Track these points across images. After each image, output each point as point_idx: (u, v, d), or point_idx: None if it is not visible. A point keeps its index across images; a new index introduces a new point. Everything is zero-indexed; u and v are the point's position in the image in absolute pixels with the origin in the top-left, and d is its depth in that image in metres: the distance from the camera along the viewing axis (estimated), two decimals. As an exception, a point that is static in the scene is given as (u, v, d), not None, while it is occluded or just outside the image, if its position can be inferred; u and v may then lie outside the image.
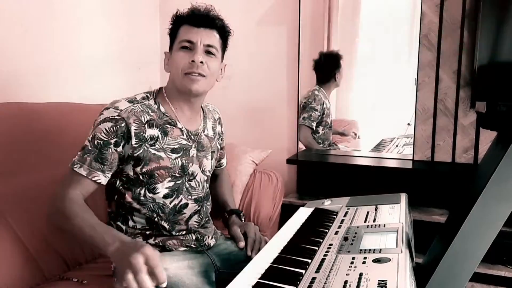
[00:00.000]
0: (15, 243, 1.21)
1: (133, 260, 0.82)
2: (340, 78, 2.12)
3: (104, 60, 1.95)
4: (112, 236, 0.95)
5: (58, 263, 1.32)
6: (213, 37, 1.13)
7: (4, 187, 1.24)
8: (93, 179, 1.04)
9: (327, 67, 2.12)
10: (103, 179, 1.05)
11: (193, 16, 1.12)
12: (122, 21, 2.05)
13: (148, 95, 1.14)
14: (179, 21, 1.14)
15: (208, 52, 1.11)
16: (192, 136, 1.17)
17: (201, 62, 1.09)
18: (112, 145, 1.04)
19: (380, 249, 0.80)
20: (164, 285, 0.85)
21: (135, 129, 1.06)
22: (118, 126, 1.04)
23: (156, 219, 1.12)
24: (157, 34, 2.28)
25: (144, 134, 1.07)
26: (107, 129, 1.04)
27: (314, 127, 2.13)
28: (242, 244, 1.19)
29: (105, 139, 1.04)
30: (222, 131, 1.35)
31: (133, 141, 1.05)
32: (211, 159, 1.25)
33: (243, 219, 1.31)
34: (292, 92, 2.13)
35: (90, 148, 1.04)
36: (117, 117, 1.04)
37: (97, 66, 1.91)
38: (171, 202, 1.13)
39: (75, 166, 1.03)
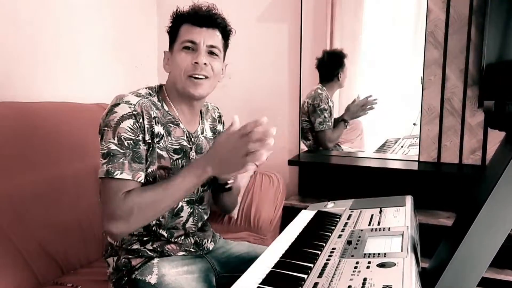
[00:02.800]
0: (7, 247, 1.21)
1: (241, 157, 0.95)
2: (343, 77, 2.12)
3: (100, 58, 1.96)
4: (190, 175, 1.00)
5: (52, 268, 1.32)
6: (215, 37, 1.12)
7: (-3, 189, 1.24)
8: (138, 179, 1.02)
9: (330, 66, 2.12)
10: (143, 177, 1.04)
11: (195, 15, 1.10)
12: (119, 18, 2.05)
13: (151, 91, 1.13)
14: (180, 20, 1.12)
15: (211, 53, 1.11)
16: (192, 138, 1.17)
17: (205, 64, 1.08)
18: (141, 142, 1.03)
19: (385, 253, 0.80)
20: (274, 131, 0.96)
21: (147, 124, 1.05)
22: (139, 122, 1.03)
23: (153, 227, 1.11)
24: (155, 32, 2.28)
25: (153, 130, 1.06)
26: (131, 126, 1.02)
27: (331, 126, 2.13)
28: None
29: (133, 137, 1.02)
30: (223, 130, 1.33)
31: (146, 136, 1.05)
32: None
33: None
34: (293, 91, 2.13)
35: (122, 150, 1.00)
36: (134, 112, 1.02)
37: (93, 65, 1.92)
38: None
39: (115, 173, 0.99)
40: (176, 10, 1.14)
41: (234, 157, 0.96)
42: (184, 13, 1.12)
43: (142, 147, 1.03)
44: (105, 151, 1.00)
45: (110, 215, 0.98)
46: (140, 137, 1.03)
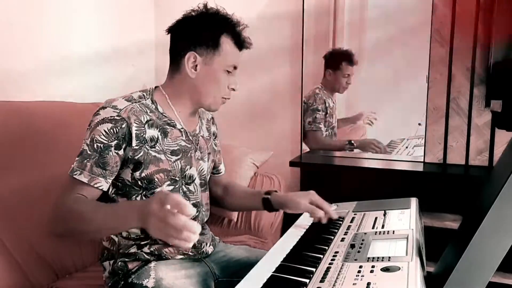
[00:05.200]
0: (0, 251, 1.21)
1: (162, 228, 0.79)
2: (333, 78, 2.10)
3: (96, 57, 1.96)
4: (124, 216, 0.92)
5: (46, 272, 1.32)
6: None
7: (-10, 191, 1.24)
8: (95, 185, 1.02)
9: (325, 64, 2.13)
10: (105, 185, 1.04)
11: (237, 34, 1.16)
12: (115, 16, 2.05)
13: (145, 94, 1.13)
14: (220, 27, 1.14)
15: None
16: (191, 137, 1.17)
17: None
18: (113, 148, 1.03)
19: (389, 257, 0.80)
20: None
21: (136, 130, 1.05)
22: (118, 127, 1.03)
23: None
24: (152, 30, 2.28)
25: (144, 135, 1.07)
26: (107, 130, 1.03)
27: (322, 128, 2.13)
28: (321, 213, 1.11)
29: (105, 141, 1.03)
30: (216, 131, 1.36)
31: (134, 142, 1.05)
32: (208, 161, 1.25)
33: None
34: (295, 90, 2.13)
35: (89, 152, 1.02)
36: (117, 117, 1.03)
37: (89, 63, 1.92)
38: None
39: (75, 173, 1.01)
40: (217, 11, 1.15)
41: (160, 225, 0.83)
42: (225, 23, 1.15)
43: (112, 154, 1.03)
44: (81, 149, 1.04)
45: (53, 210, 1.01)
46: (114, 143, 1.03)
